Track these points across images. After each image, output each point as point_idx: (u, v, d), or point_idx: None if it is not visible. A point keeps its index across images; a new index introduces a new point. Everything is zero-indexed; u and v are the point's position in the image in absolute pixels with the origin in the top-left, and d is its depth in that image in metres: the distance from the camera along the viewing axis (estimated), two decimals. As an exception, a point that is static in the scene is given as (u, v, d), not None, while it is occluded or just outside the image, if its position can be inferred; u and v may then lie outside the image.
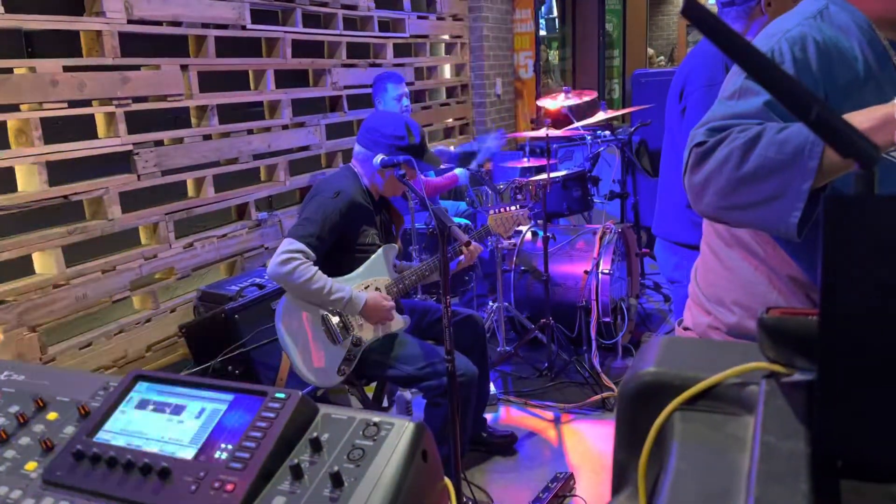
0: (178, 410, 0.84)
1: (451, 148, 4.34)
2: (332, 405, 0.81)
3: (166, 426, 0.82)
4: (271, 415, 0.78)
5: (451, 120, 5.89)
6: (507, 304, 3.79)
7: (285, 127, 3.97)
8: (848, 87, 1.19)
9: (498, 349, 3.76)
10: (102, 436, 0.83)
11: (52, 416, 0.90)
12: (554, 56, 8.18)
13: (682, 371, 0.60)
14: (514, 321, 3.89)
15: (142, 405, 0.86)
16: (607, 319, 3.67)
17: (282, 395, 0.80)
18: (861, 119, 1.04)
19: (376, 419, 0.77)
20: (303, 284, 2.25)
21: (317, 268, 2.28)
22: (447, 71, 5.89)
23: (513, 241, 3.82)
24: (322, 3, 4.19)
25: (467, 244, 2.28)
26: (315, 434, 0.76)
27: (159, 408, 0.85)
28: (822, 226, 0.46)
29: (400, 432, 0.75)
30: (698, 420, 0.57)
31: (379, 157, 2.39)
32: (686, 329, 1.45)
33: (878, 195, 0.46)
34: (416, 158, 2.40)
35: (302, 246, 2.27)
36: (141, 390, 0.89)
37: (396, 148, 2.40)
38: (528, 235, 4.01)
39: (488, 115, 6.22)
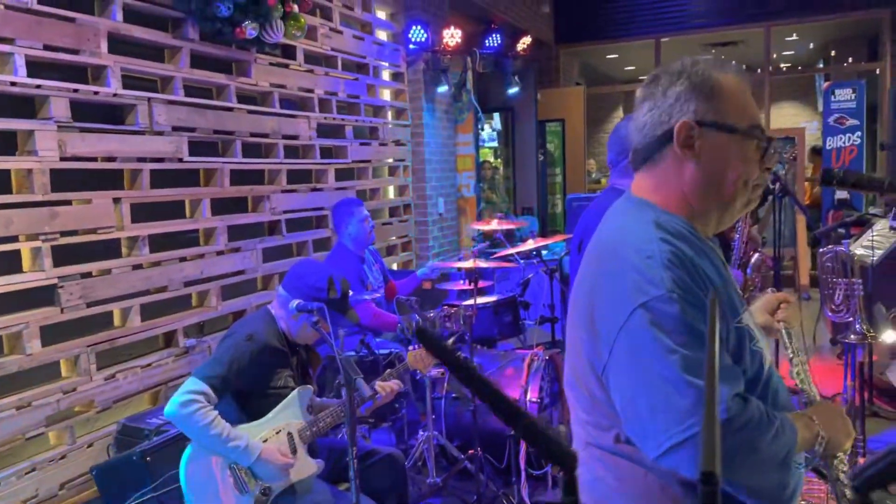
0: None
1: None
2: None
3: None
4: None
5: (394, 238, 6.02)
6: (436, 433, 3.77)
7: (220, 252, 4.01)
8: (720, 296, 1.25)
9: (428, 480, 3.72)
10: None
11: None
12: (500, 167, 8.53)
13: None
14: (445, 450, 3.86)
15: None
16: (536, 448, 3.67)
17: None
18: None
19: None
20: (201, 429, 2.24)
21: (216, 412, 2.28)
22: (391, 191, 6.07)
23: (442, 369, 3.84)
24: (262, 134, 4.34)
25: (372, 396, 2.32)
26: None
27: None
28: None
29: None
30: None
31: (294, 303, 2.45)
32: None
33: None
34: (333, 313, 2.45)
35: (205, 387, 2.27)
36: None
37: (314, 298, 2.46)
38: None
39: (430, 232, 6.37)
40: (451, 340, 3.22)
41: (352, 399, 2.05)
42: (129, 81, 3.51)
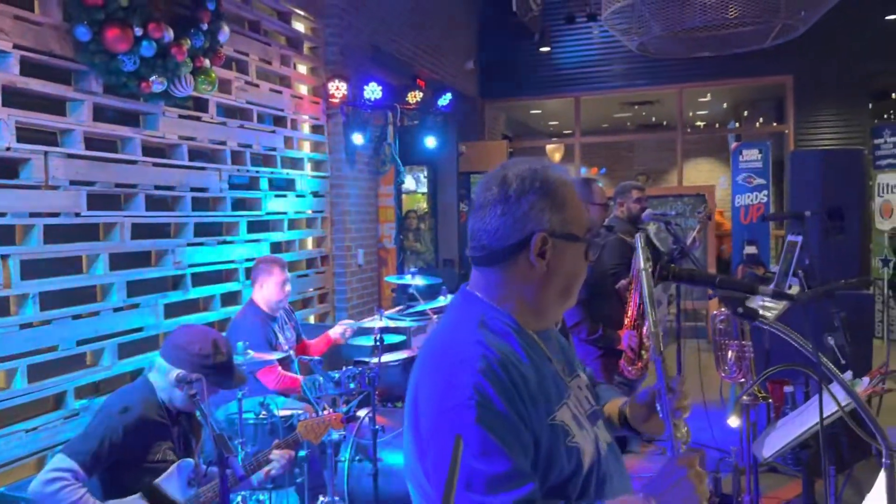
0: None
1: None
2: None
3: None
4: None
5: (311, 290, 5.95)
6: (337, 497, 3.69)
7: (117, 309, 3.88)
8: (533, 395, 1.26)
9: (328, 546, 3.62)
10: None
11: None
12: (428, 212, 8.59)
13: None
14: (347, 514, 3.78)
15: None
16: (439, 511, 3.63)
17: None
18: None
19: None
20: None
21: (85, 490, 2.19)
22: (309, 243, 6.02)
23: (343, 431, 3.78)
24: (168, 187, 4.26)
25: (254, 468, 2.27)
26: None
27: None
28: None
29: None
30: None
31: (174, 373, 2.38)
32: None
33: None
34: (221, 378, 2.40)
35: (73, 464, 2.18)
36: None
37: (201, 366, 2.40)
38: (367, 421, 3.99)
39: (349, 283, 6.33)
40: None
41: (223, 475, 1.99)
42: (26, 135, 3.41)
